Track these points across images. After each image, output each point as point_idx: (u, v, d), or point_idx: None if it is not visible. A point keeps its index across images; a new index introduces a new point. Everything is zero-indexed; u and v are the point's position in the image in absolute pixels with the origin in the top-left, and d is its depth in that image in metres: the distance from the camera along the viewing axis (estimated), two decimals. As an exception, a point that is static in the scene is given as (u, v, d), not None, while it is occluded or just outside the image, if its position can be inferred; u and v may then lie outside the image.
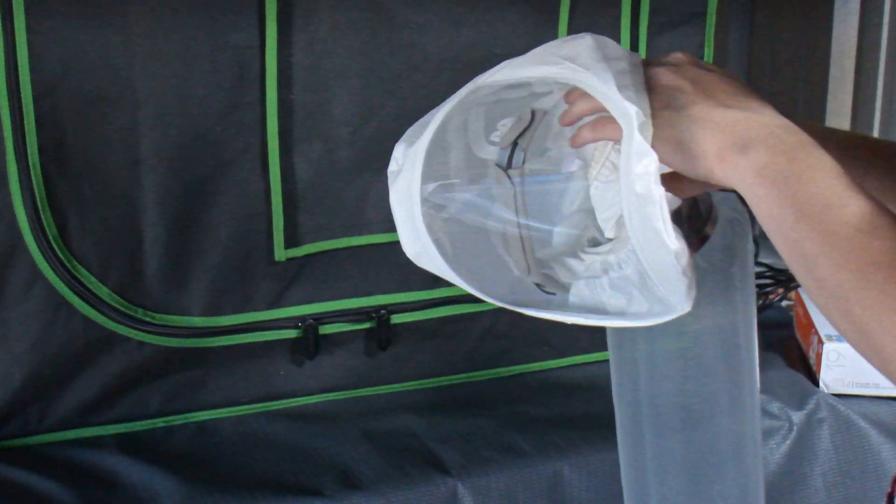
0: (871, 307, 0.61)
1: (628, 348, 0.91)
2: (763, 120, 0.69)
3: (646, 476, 0.94)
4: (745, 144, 0.68)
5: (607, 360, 1.61)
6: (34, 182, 1.19)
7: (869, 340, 0.62)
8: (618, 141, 0.72)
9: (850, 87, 2.08)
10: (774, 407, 1.38)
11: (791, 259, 0.66)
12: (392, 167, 0.80)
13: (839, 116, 2.10)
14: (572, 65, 0.73)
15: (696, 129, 0.69)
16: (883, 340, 0.61)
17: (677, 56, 0.75)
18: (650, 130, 0.70)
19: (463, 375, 1.49)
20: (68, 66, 1.18)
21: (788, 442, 1.37)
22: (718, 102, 0.70)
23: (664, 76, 0.73)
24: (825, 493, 1.38)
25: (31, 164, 1.18)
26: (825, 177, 0.65)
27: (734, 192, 0.74)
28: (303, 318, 1.36)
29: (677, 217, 0.77)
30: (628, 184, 0.70)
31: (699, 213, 0.81)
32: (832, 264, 0.63)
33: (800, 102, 2.22)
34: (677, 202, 0.77)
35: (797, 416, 1.37)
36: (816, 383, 1.44)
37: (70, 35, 1.17)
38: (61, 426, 1.29)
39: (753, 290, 0.90)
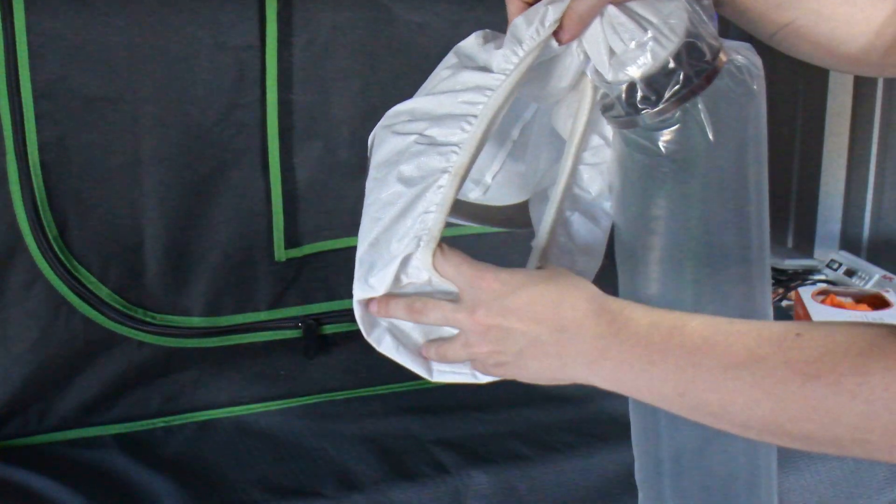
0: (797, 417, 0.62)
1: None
2: (583, 341, 0.70)
3: (661, 471, 0.93)
4: (592, 365, 0.70)
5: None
6: (34, 182, 1.19)
7: (818, 441, 0.62)
8: None
9: (850, 87, 2.08)
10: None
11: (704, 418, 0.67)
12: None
13: (839, 116, 2.10)
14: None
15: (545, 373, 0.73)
16: (829, 432, 0.61)
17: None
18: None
19: (463, 375, 1.48)
20: (68, 66, 1.18)
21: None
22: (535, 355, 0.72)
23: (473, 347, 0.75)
24: (824, 492, 1.38)
25: (31, 163, 1.19)
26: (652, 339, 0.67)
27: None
28: (303, 319, 1.36)
29: (678, 56, 0.75)
30: None
31: (704, 45, 0.76)
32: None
33: (800, 102, 2.22)
34: (669, 48, 0.74)
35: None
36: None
37: (70, 35, 1.17)
38: (61, 426, 1.29)
39: (765, 144, 0.82)
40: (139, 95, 1.22)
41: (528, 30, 0.76)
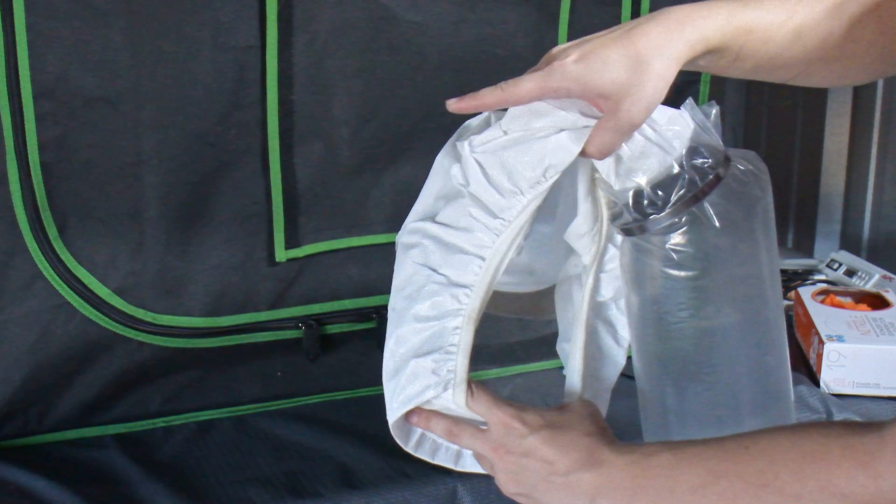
0: None
1: (650, 332, 0.89)
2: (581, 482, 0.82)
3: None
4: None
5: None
6: (34, 182, 1.19)
7: None
8: None
9: (849, 87, 2.08)
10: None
11: None
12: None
13: (839, 116, 2.10)
14: None
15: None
16: None
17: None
18: None
19: (463, 375, 1.48)
20: (68, 66, 1.18)
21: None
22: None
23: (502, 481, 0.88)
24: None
25: (30, 163, 1.18)
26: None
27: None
28: (303, 319, 1.36)
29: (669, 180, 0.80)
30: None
31: (707, 150, 0.81)
32: None
33: (800, 102, 2.22)
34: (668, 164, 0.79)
35: (797, 417, 1.37)
36: (817, 383, 1.44)
37: (70, 35, 1.17)
38: (61, 426, 1.29)
39: (775, 244, 0.88)
40: (139, 95, 1.22)
41: (530, 178, 0.79)
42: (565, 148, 0.77)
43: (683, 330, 0.84)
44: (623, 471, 0.79)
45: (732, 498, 0.71)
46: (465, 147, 0.82)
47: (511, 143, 0.79)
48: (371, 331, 1.40)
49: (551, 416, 0.87)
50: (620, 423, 0.96)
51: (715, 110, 0.82)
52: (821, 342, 1.43)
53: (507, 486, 0.88)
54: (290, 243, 1.33)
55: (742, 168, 0.82)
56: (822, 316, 1.50)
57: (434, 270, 0.84)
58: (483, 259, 0.81)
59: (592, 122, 0.78)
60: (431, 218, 0.84)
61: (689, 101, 0.82)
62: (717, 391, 0.87)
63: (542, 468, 0.83)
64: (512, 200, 0.79)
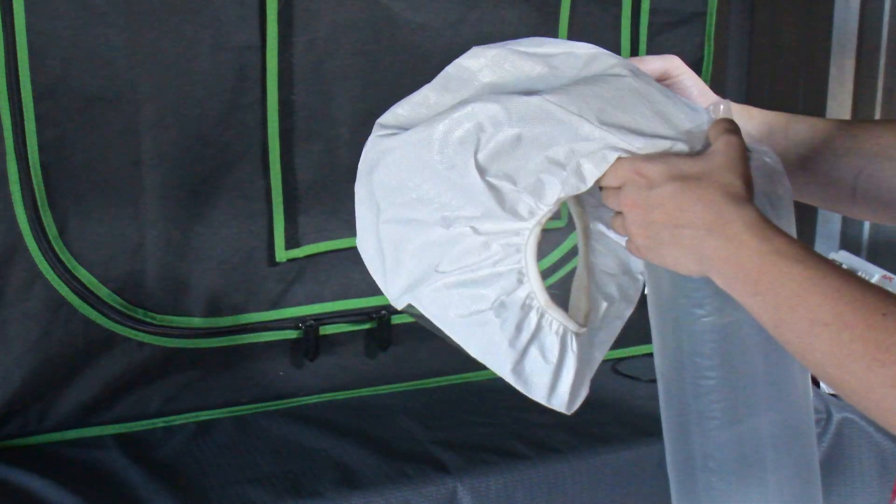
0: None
1: (670, 337, 0.89)
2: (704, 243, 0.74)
3: (693, 470, 0.93)
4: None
5: (607, 361, 1.61)
6: (34, 182, 1.19)
7: (873, 417, 0.65)
8: None
9: (850, 87, 2.08)
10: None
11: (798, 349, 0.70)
12: None
13: (839, 116, 2.10)
14: None
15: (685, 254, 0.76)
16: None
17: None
18: None
19: (463, 376, 1.49)
20: (68, 66, 1.18)
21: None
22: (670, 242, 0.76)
23: (628, 225, 0.78)
24: (826, 492, 1.38)
25: (31, 163, 1.19)
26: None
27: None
28: (303, 319, 1.36)
29: None
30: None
31: None
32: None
33: (800, 102, 2.22)
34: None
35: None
36: (817, 383, 1.43)
37: (70, 35, 1.17)
38: (61, 426, 1.29)
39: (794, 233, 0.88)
40: (139, 95, 1.22)
41: (552, 190, 0.78)
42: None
43: (704, 326, 0.84)
44: (753, 260, 0.72)
45: (844, 355, 0.65)
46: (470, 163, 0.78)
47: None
48: (371, 331, 1.40)
49: (682, 165, 0.78)
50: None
51: (724, 105, 0.85)
52: (821, 342, 1.42)
53: (636, 240, 0.80)
54: (291, 243, 1.33)
55: (764, 160, 0.85)
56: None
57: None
58: (524, 269, 0.79)
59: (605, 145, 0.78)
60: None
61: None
62: (734, 384, 0.87)
63: (669, 222, 0.76)
64: (532, 206, 0.79)
